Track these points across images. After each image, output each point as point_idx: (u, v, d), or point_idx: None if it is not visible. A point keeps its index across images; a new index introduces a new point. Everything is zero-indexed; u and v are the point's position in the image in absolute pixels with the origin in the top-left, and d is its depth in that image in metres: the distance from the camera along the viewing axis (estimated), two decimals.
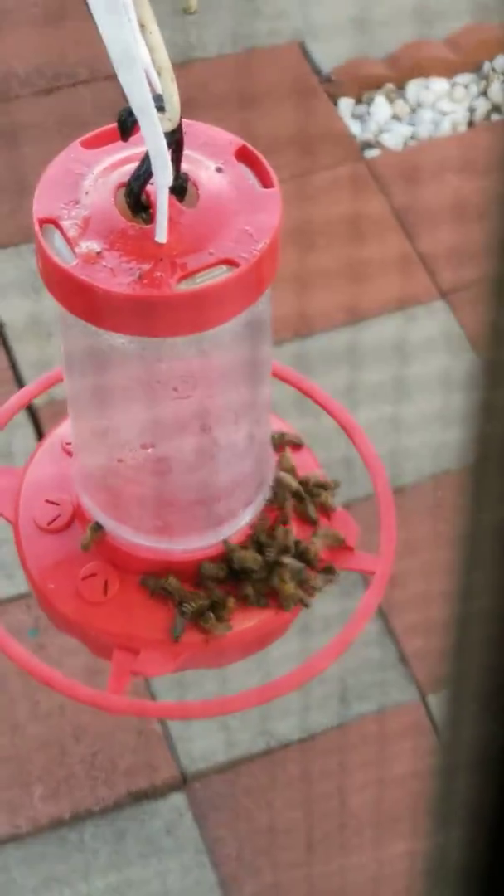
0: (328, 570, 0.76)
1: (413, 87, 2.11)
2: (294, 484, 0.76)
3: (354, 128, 2.05)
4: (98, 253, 0.64)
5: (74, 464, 0.76)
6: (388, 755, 1.54)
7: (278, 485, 0.76)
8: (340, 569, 0.77)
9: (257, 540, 0.74)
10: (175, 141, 0.63)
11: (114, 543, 0.75)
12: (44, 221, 0.65)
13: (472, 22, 2.16)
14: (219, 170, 0.67)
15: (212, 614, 0.73)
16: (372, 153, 2.01)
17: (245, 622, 0.74)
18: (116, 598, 0.74)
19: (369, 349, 1.80)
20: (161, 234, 0.64)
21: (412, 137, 2.07)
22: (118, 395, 0.69)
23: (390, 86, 2.10)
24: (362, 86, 2.10)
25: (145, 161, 0.64)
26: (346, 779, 1.53)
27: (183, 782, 1.48)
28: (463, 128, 2.08)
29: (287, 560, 0.74)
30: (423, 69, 2.11)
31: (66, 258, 0.65)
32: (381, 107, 2.08)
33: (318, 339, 1.81)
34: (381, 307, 1.84)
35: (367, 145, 2.03)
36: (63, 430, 0.80)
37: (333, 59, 2.10)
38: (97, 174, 0.67)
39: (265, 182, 0.67)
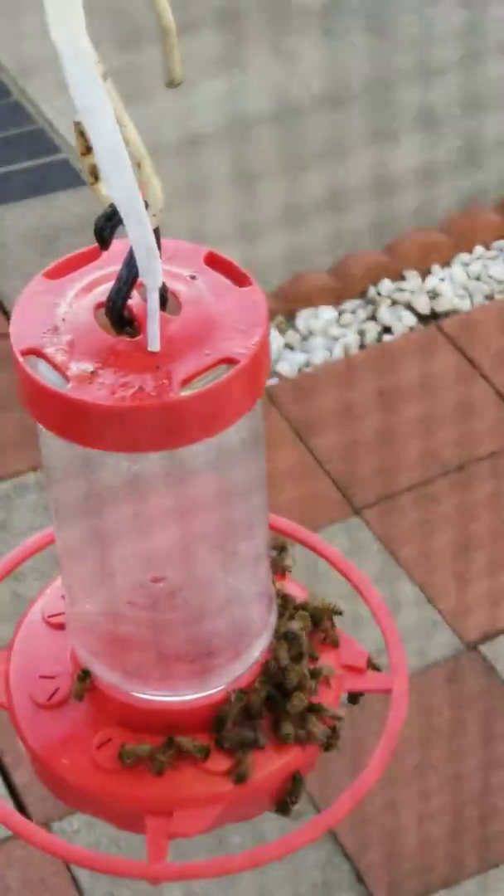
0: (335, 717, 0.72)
1: (302, 317, 2.14)
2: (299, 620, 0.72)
3: None
4: (92, 372, 0.61)
5: (72, 625, 0.72)
6: None
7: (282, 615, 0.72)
8: (356, 691, 0.73)
9: (272, 679, 0.70)
10: (157, 242, 0.61)
11: (124, 702, 0.70)
12: (26, 352, 0.62)
13: (351, 251, 2.21)
14: (192, 277, 0.65)
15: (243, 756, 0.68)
16: (269, 382, 2.03)
17: (270, 765, 0.70)
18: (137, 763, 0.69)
19: None
20: (154, 341, 0.61)
21: (307, 364, 2.09)
22: (126, 525, 0.65)
23: (280, 317, 2.13)
24: None
25: (123, 274, 0.62)
26: None
27: None
28: (355, 350, 2.11)
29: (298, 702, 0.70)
30: (310, 299, 2.15)
31: (57, 384, 0.61)
32: (272, 338, 2.10)
33: None
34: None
35: None
36: (42, 604, 0.75)
37: None
38: (70, 300, 0.64)
39: (241, 282, 0.65)
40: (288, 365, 2.07)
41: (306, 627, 0.72)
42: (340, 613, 0.74)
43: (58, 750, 0.70)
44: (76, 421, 0.61)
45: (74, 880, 1.54)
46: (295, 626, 0.71)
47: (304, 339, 2.13)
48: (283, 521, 0.80)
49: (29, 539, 0.78)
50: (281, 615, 0.72)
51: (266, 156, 2.37)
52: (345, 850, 1.56)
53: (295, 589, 0.74)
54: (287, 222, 2.18)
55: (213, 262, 0.65)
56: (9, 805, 0.73)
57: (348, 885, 1.54)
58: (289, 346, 2.11)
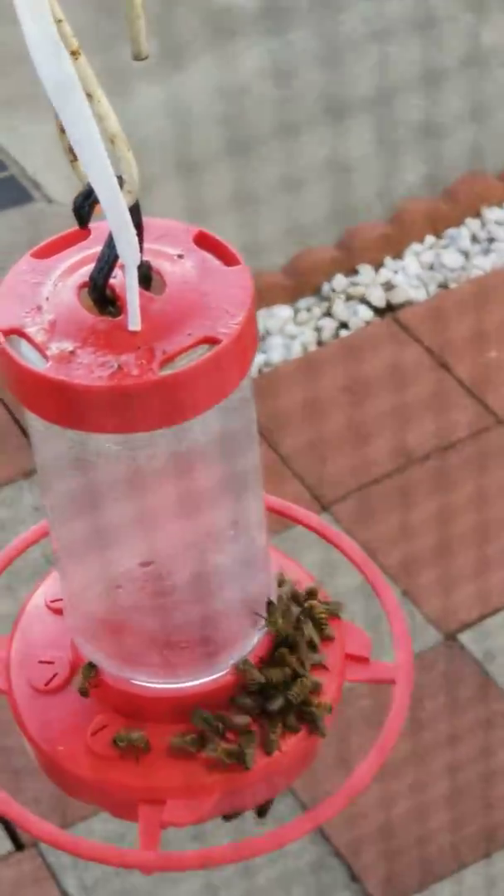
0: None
1: (258, 317, 2.13)
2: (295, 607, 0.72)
3: None
4: (71, 352, 0.60)
5: (69, 614, 0.71)
6: None
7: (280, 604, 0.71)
8: (359, 681, 0.73)
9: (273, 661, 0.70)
10: (136, 222, 0.60)
11: (119, 689, 0.69)
12: (7, 332, 0.62)
13: (304, 247, 2.21)
14: (180, 256, 0.64)
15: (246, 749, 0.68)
16: None
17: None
18: (131, 749, 0.69)
19: None
20: (134, 320, 0.61)
21: (266, 364, 2.08)
22: (111, 509, 0.65)
23: None
24: None
25: (106, 252, 0.61)
26: None
27: None
28: (313, 347, 2.10)
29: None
30: (263, 299, 2.14)
31: (37, 364, 0.61)
32: None
33: None
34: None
35: None
36: (45, 589, 0.75)
37: None
38: (55, 280, 0.64)
39: (229, 262, 0.64)
40: None
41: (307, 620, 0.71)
42: (339, 617, 0.73)
43: (54, 736, 0.70)
44: (54, 401, 0.60)
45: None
46: (295, 612, 0.70)
47: (262, 338, 2.12)
48: (295, 507, 0.79)
49: (25, 532, 0.78)
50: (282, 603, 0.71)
51: (210, 146, 2.36)
52: (337, 849, 1.55)
53: (299, 573, 0.74)
54: (237, 220, 2.17)
55: (203, 241, 0.65)
56: None
57: (343, 885, 1.53)
58: None
